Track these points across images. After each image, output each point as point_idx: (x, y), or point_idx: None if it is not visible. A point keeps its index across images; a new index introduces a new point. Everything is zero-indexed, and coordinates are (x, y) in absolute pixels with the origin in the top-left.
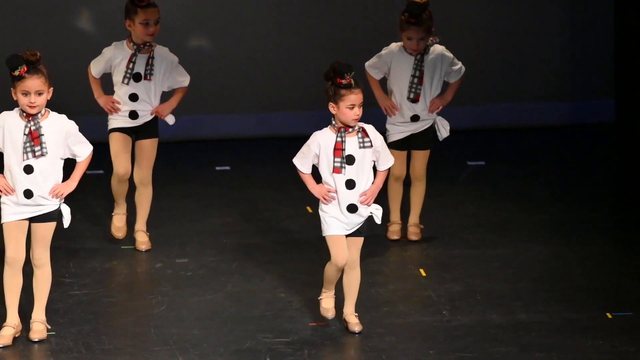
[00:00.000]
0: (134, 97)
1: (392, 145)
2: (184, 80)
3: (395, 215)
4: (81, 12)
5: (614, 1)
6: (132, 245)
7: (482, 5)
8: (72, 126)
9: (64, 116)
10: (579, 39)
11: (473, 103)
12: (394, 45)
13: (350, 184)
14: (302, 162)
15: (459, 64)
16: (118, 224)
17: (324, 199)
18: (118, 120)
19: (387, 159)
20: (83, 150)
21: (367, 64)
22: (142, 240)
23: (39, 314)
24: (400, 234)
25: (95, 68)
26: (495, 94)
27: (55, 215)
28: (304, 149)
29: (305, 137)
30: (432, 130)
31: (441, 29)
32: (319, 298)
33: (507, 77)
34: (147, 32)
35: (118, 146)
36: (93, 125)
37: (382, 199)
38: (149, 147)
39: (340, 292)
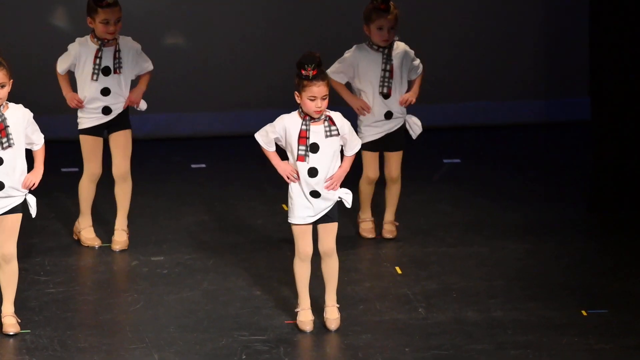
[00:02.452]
0: (105, 92)
1: (365, 147)
2: (149, 65)
3: (367, 213)
4: (55, 8)
5: (588, 0)
6: (108, 243)
7: (458, 5)
8: (30, 114)
9: (21, 105)
10: (554, 37)
11: (449, 101)
12: (356, 47)
13: (312, 172)
14: (265, 139)
15: (418, 60)
16: (89, 235)
17: (288, 177)
18: (90, 119)
19: (354, 144)
20: (39, 138)
21: (329, 71)
22: (120, 239)
23: (10, 308)
24: (374, 233)
25: (61, 66)
26: (471, 92)
27: (21, 207)
28: (267, 127)
29: None
30: (403, 130)
31: (418, 28)
32: (296, 310)
33: (482, 75)
34: (107, 31)
35: (89, 148)
36: (67, 123)
37: (353, 197)
38: (123, 139)
39: (321, 281)
